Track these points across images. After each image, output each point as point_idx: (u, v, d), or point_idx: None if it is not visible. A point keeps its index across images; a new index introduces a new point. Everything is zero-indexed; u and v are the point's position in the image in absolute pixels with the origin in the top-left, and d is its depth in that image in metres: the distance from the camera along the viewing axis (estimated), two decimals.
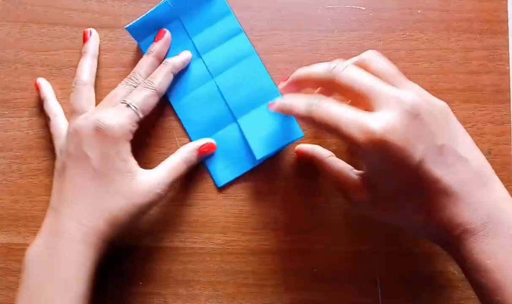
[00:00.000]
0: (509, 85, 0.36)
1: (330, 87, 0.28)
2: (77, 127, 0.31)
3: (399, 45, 0.37)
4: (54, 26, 0.38)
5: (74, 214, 0.29)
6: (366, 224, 0.35)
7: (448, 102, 0.36)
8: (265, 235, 0.35)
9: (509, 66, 0.36)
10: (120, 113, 0.31)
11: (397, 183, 0.26)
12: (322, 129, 0.27)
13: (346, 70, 0.27)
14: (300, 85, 0.31)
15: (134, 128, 0.31)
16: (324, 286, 0.35)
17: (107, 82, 0.37)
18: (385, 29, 0.37)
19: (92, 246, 0.29)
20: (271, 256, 0.35)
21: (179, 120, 0.36)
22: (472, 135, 0.35)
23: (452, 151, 0.26)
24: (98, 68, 0.37)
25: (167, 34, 0.36)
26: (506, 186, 0.35)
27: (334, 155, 0.33)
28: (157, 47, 0.35)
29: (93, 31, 0.37)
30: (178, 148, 0.35)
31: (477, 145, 0.35)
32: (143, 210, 0.31)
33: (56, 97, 0.37)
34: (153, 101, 0.33)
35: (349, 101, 0.30)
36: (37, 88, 0.36)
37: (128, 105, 0.31)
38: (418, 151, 0.25)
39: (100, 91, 0.37)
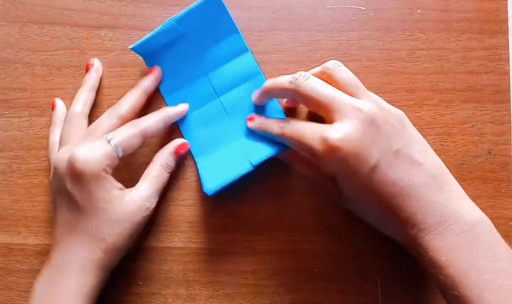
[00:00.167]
0: (509, 85, 0.36)
1: (294, 97, 0.30)
2: (56, 162, 0.31)
3: (399, 45, 0.37)
4: (54, 26, 0.38)
5: (70, 247, 0.30)
6: (366, 224, 0.35)
7: (448, 102, 0.36)
8: (265, 235, 0.35)
9: (509, 66, 0.36)
10: (97, 148, 0.30)
11: (356, 188, 0.28)
12: (291, 143, 0.30)
13: (308, 81, 0.29)
14: (269, 95, 0.33)
15: (112, 164, 0.31)
16: (324, 286, 0.35)
17: (107, 82, 0.37)
18: (385, 29, 0.37)
19: (91, 275, 0.30)
20: (271, 256, 0.35)
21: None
22: (472, 135, 0.36)
23: (407, 156, 0.28)
24: None
25: (158, 71, 0.35)
26: (506, 186, 0.35)
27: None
28: (147, 82, 0.35)
29: (96, 62, 0.36)
30: None
31: (477, 145, 0.36)
32: (137, 228, 0.31)
33: (56, 97, 0.37)
34: (137, 142, 0.32)
35: (312, 110, 0.32)
36: (53, 107, 0.36)
37: (108, 141, 0.31)
38: (373, 156, 0.27)
39: (101, 91, 0.37)
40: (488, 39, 0.36)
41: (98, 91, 0.37)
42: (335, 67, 0.30)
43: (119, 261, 0.32)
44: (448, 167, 0.35)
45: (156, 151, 0.35)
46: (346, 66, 0.37)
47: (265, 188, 0.36)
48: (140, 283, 0.35)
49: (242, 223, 0.36)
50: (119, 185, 0.32)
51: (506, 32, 0.36)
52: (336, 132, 0.27)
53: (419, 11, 0.37)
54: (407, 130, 0.29)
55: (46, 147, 0.37)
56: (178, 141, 0.35)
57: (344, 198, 0.31)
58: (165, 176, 0.33)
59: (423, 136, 0.36)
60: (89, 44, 0.37)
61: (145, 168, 0.34)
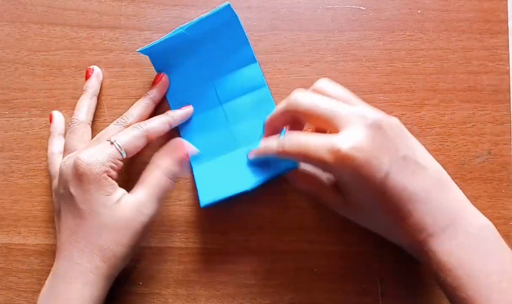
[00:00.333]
0: (509, 85, 0.36)
1: (296, 118, 0.30)
2: (62, 167, 0.31)
3: (399, 45, 0.37)
4: (54, 26, 0.38)
5: (70, 255, 0.29)
6: None
7: (448, 102, 0.36)
8: (265, 235, 0.35)
9: (509, 66, 0.36)
10: (101, 150, 0.30)
11: (367, 195, 0.28)
12: (296, 159, 0.30)
13: (306, 98, 0.29)
14: (273, 128, 0.32)
15: (116, 166, 0.30)
16: (324, 286, 0.35)
17: (107, 82, 0.37)
18: (385, 29, 0.37)
19: (92, 284, 0.29)
20: (271, 256, 0.35)
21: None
22: (472, 135, 0.36)
23: (413, 161, 0.28)
24: None
25: (165, 78, 0.35)
26: (506, 186, 0.35)
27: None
28: (154, 91, 0.35)
29: (96, 68, 0.36)
30: None
31: (477, 145, 0.36)
32: (135, 235, 0.30)
33: (56, 97, 0.37)
34: (141, 142, 0.32)
35: (314, 127, 0.32)
36: (50, 120, 0.36)
37: (111, 143, 0.30)
38: (384, 164, 0.26)
39: (101, 91, 0.37)
40: (488, 39, 0.36)
41: (99, 91, 0.37)
42: (325, 83, 0.30)
43: (120, 269, 0.31)
44: (448, 167, 0.35)
45: (156, 144, 0.34)
46: (346, 66, 0.37)
47: (265, 188, 0.36)
48: (140, 283, 0.35)
49: (242, 223, 0.36)
50: (122, 190, 0.31)
51: (506, 32, 0.37)
52: (347, 141, 0.26)
53: (419, 11, 0.37)
54: (407, 135, 0.29)
55: (46, 147, 0.37)
56: (176, 143, 0.33)
57: (347, 209, 0.31)
58: (164, 181, 0.31)
59: (423, 136, 0.36)
60: (89, 44, 0.37)
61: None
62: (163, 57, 0.35)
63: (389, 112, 0.36)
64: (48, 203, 0.36)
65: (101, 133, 0.33)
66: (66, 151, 0.33)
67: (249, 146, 0.34)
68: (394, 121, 0.29)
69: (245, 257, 0.35)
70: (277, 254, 0.35)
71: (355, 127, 0.27)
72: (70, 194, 0.30)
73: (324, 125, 0.28)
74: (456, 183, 0.35)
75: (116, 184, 0.30)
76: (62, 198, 0.31)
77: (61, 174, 0.31)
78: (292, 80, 0.36)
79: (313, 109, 0.28)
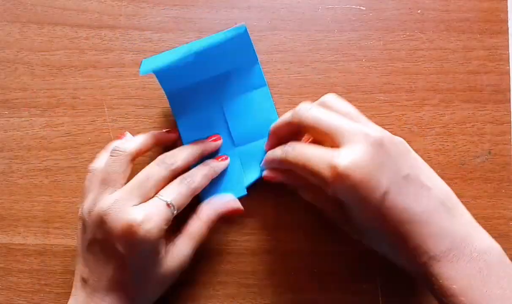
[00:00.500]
0: (509, 85, 0.36)
1: (300, 130, 0.30)
2: (106, 217, 0.28)
3: (399, 45, 0.37)
4: (54, 26, 0.38)
5: (114, 294, 0.29)
6: None
7: (448, 102, 0.36)
8: (265, 235, 0.35)
9: (509, 66, 0.36)
10: (159, 214, 0.29)
11: (366, 216, 0.27)
12: (297, 169, 0.29)
13: (311, 111, 0.29)
14: (277, 137, 0.32)
15: (168, 226, 0.30)
16: (324, 286, 0.35)
17: (107, 82, 0.37)
18: (385, 29, 0.37)
19: None
20: (271, 256, 0.35)
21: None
22: (472, 135, 0.36)
23: (416, 180, 0.27)
24: (98, 68, 0.37)
25: (220, 142, 0.35)
26: (506, 186, 0.35)
27: None
28: (207, 146, 0.34)
29: (173, 135, 0.34)
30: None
31: (477, 145, 0.36)
32: (172, 282, 0.32)
33: (56, 97, 0.37)
34: (189, 200, 0.31)
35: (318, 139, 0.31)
36: (120, 136, 0.34)
37: (168, 206, 0.29)
38: (383, 183, 0.26)
39: (101, 91, 0.37)
40: (488, 39, 0.36)
41: (99, 90, 0.37)
42: (332, 98, 0.30)
43: None
44: (448, 167, 0.35)
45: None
46: (346, 66, 0.37)
47: (265, 188, 0.36)
48: None
49: (242, 223, 0.36)
50: (165, 242, 0.30)
51: (506, 32, 0.37)
52: (345, 159, 0.25)
53: (419, 11, 0.37)
54: (412, 154, 0.29)
55: (46, 147, 0.37)
56: (234, 205, 0.33)
57: (350, 225, 0.30)
58: (206, 233, 0.32)
59: (423, 136, 0.36)
60: (89, 44, 0.37)
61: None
62: (169, 72, 0.33)
63: (389, 112, 0.36)
64: (48, 203, 0.36)
65: (143, 175, 0.30)
66: (106, 182, 0.30)
67: (246, 146, 0.34)
68: (398, 139, 0.28)
69: (245, 257, 0.35)
70: (277, 254, 0.35)
71: (356, 144, 0.26)
72: (117, 250, 0.28)
73: (326, 139, 0.28)
74: (456, 183, 0.35)
75: (164, 240, 0.30)
76: (102, 245, 0.29)
77: (102, 221, 0.28)
78: (292, 80, 0.36)
79: (317, 122, 0.28)
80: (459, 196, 0.35)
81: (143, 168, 0.31)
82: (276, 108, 0.35)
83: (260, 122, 0.35)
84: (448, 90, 0.36)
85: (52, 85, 0.37)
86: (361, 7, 0.37)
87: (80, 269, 0.30)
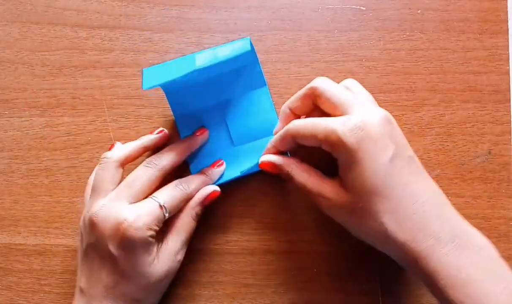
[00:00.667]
0: (509, 85, 0.36)
1: (313, 100, 0.30)
2: (97, 219, 0.29)
3: (399, 45, 0.37)
4: (54, 26, 0.38)
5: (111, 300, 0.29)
6: None
7: (448, 102, 0.36)
8: (265, 235, 0.35)
9: (509, 66, 0.36)
10: (149, 213, 0.29)
11: (370, 179, 0.26)
12: (303, 139, 0.29)
13: (328, 81, 0.29)
14: (286, 116, 0.32)
15: (158, 228, 0.30)
16: (324, 286, 0.35)
17: (107, 82, 0.37)
18: (385, 29, 0.37)
19: None
20: (271, 256, 0.35)
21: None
22: (472, 135, 0.36)
23: (418, 165, 0.28)
24: (98, 68, 0.37)
25: (206, 134, 0.35)
26: (506, 186, 0.35)
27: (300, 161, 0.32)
28: (193, 140, 0.34)
29: (166, 132, 0.35)
30: None
31: (477, 145, 0.36)
32: (169, 281, 0.32)
33: (56, 97, 0.37)
34: (182, 205, 0.32)
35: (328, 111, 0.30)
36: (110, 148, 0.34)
37: (160, 207, 0.30)
38: (390, 148, 0.26)
39: (101, 91, 0.37)
40: (488, 39, 0.36)
41: (99, 90, 0.37)
42: (353, 82, 0.30)
43: None
44: (448, 167, 0.35)
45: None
46: (346, 66, 0.37)
47: (265, 188, 0.36)
48: None
49: (242, 223, 0.36)
50: (156, 242, 0.31)
51: (506, 32, 0.37)
52: (358, 116, 0.26)
53: (419, 11, 0.37)
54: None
55: (46, 147, 0.37)
56: (208, 190, 0.33)
57: (342, 205, 0.28)
58: (193, 225, 0.33)
59: (423, 136, 0.36)
60: (89, 44, 0.37)
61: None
62: (173, 87, 0.33)
63: (389, 112, 0.36)
64: (48, 203, 0.36)
65: (131, 176, 0.31)
66: (95, 190, 0.31)
67: (245, 146, 0.34)
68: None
69: (245, 257, 0.35)
70: (277, 254, 0.35)
71: (367, 112, 0.27)
72: (109, 251, 0.29)
73: (337, 113, 0.28)
74: (456, 183, 0.35)
75: (154, 240, 0.30)
76: (95, 249, 0.30)
77: (94, 224, 0.29)
78: (292, 80, 0.36)
79: (332, 92, 0.28)
80: (459, 196, 0.35)
81: None
82: (275, 108, 0.35)
83: (259, 122, 0.35)
84: (448, 90, 0.36)
85: (52, 85, 0.37)
86: (361, 7, 0.37)
87: (78, 280, 0.31)
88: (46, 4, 0.38)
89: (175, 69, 0.31)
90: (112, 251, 0.29)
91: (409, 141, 0.28)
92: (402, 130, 0.35)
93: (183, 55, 0.36)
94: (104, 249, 0.29)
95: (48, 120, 0.37)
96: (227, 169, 0.35)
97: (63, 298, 0.35)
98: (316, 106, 0.30)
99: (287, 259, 0.35)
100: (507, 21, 0.37)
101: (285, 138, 0.30)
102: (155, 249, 0.30)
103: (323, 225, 0.35)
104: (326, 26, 0.37)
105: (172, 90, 0.34)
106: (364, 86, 0.30)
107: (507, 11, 0.37)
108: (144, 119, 0.37)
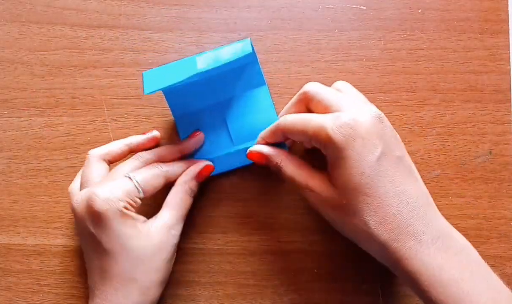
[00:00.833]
0: (509, 84, 0.36)
1: (306, 104, 0.30)
2: (75, 205, 0.29)
3: (400, 45, 0.36)
4: (53, 26, 0.37)
5: (104, 295, 0.28)
6: None
7: (448, 102, 0.36)
8: (265, 235, 0.35)
9: (509, 65, 0.36)
10: (117, 185, 0.29)
11: (356, 177, 0.26)
12: (293, 134, 0.29)
13: (318, 85, 0.29)
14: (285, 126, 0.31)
15: (134, 204, 0.29)
16: (324, 286, 0.35)
17: (107, 82, 0.37)
18: (386, 28, 0.37)
19: None
20: (271, 256, 0.35)
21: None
22: (472, 135, 0.36)
23: (408, 166, 0.28)
24: (97, 68, 0.37)
25: (201, 136, 0.34)
26: (507, 186, 0.35)
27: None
28: (186, 144, 0.34)
29: (155, 133, 0.35)
30: None
31: (478, 145, 0.36)
32: (167, 258, 0.30)
33: (55, 97, 0.37)
34: (159, 183, 0.31)
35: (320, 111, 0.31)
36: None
37: (129, 178, 0.30)
38: (378, 147, 0.26)
39: (100, 91, 0.37)
40: (488, 39, 0.36)
41: (99, 90, 0.37)
42: (344, 84, 0.31)
43: (157, 298, 0.30)
44: (449, 167, 0.35)
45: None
46: (346, 66, 0.37)
47: (265, 188, 0.36)
48: None
49: (241, 223, 0.35)
50: (143, 217, 0.30)
51: (506, 31, 0.36)
52: (349, 114, 0.27)
53: (419, 11, 0.37)
54: (403, 145, 0.29)
55: (46, 147, 0.37)
56: (201, 164, 0.33)
57: (331, 201, 0.28)
58: (188, 201, 0.32)
59: (424, 136, 0.36)
60: (89, 44, 0.37)
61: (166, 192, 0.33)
62: (174, 90, 0.33)
63: (390, 112, 0.36)
64: (47, 203, 0.36)
65: (117, 166, 0.32)
66: (81, 185, 0.32)
67: (245, 145, 0.34)
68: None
69: (245, 257, 0.35)
70: (277, 254, 0.35)
71: (359, 111, 0.27)
72: (91, 233, 0.28)
73: (328, 111, 0.28)
74: (456, 183, 0.35)
75: (136, 214, 0.30)
76: (83, 236, 0.30)
77: (75, 212, 0.29)
78: (292, 80, 0.36)
79: (323, 94, 0.29)
80: (459, 196, 0.35)
81: None
82: (275, 108, 0.35)
83: (258, 122, 0.34)
84: (449, 90, 0.36)
85: (51, 85, 0.37)
86: (362, 7, 0.37)
87: (88, 277, 0.31)
88: (45, 3, 0.38)
89: (176, 72, 0.31)
90: (91, 230, 0.28)
91: (409, 141, 0.28)
92: (403, 130, 0.36)
93: (183, 55, 0.37)
94: (86, 232, 0.29)
95: (48, 120, 0.37)
96: (224, 165, 0.35)
97: (63, 299, 0.35)
98: (310, 111, 0.30)
99: (287, 260, 0.35)
100: (508, 21, 0.36)
101: (276, 132, 0.31)
102: (138, 223, 0.29)
103: (323, 225, 0.35)
104: (326, 26, 0.37)
105: (172, 91, 0.34)
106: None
107: (507, 11, 0.37)
108: (144, 119, 0.36)
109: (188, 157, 0.34)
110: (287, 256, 0.35)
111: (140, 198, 0.30)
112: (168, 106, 0.35)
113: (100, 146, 0.33)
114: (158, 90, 0.31)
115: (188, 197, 0.32)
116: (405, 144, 0.29)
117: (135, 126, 0.36)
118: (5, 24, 0.38)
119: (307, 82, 0.30)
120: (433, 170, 0.35)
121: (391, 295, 0.34)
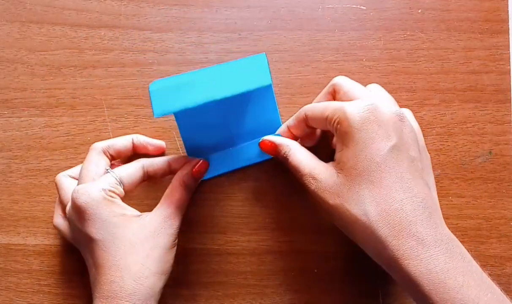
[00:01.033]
0: (509, 84, 0.36)
1: (333, 95, 0.31)
2: (66, 209, 0.31)
3: (400, 45, 0.36)
4: (53, 26, 0.37)
5: (102, 292, 0.28)
6: None
7: (449, 101, 0.36)
8: (265, 235, 0.35)
9: (510, 65, 0.36)
10: (98, 181, 0.30)
11: (365, 161, 0.26)
12: (314, 118, 0.30)
13: (346, 79, 0.30)
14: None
15: (117, 191, 0.30)
16: (324, 286, 0.35)
17: (107, 82, 0.37)
18: (386, 28, 0.37)
19: None
20: (271, 256, 0.35)
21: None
22: (472, 135, 0.36)
23: (417, 168, 0.27)
24: (97, 68, 0.37)
25: (205, 165, 0.33)
26: (507, 186, 0.35)
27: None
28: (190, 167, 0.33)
29: (161, 143, 0.36)
30: (178, 148, 0.35)
31: (478, 145, 0.36)
32: (162, 249, 0.29)
33: (55, 97, 0.37)
34: (137, 174, 0.31)
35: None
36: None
37: (107, 171, 0.31)
38: (392, 139, 0.26)
39: (100, 91, 0.37)
40: (488, 39, 0.36)
41: (99, 90, 0.37)
42: (377, 87, 0.31)
43: (159, 291, 0.30)
44: (449, 167, 0.35)
45: None
46: (346, 66, 0.37)
47: (265, 188, 0.36)
48: None
49: (242, 223, 0.35)
50: (136, 211, 0.30)
51: (506, 31, 0.36)
52: (371, 99, 0.27)
53: (419, 11, 0.37)
54: (428, 156, 0.29)
55: (46, 147, 0.37)
56: (195, 160, 0.33)
57: (339, 186, 0.27)
58: (183, 194, 0.32)
59: (424, 136, 0.36)
60: (89, 44, 0.37)
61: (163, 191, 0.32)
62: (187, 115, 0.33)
63: None
64: (47, 203, 0.36)
65: (117, 167, 0.32)
66: (79, 178, 0.32)
67: (246, 145, 0.34)
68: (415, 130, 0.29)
69: (245, 257, 0.35)
70: (277, 254, 0.35)
71: (382, 104, 0.27)
72: (80, 230, 0.29)
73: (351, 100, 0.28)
74: (456, 183, 0.35)
75: (124, 203, 0.30)
76: (76, 237, 0.31)
77: (67, 215, 0.30)
78: (292, 80, 0.36)
79: (352, 86, 0.29)
80: (460, 196, 0.35)
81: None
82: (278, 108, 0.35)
83: (262, 122, 0.34)
84: (449, 90, 0.36)
85: (51, 85, 0.37)
86: (362, 7, 0.37)
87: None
88: (45, 3, 0.38)
89: (187, 93, 0.29)
90: (79, 227, 0.29)
91: None
92: None
93: (183, 55, 0.37)
94: (77, 230, 0.29)
95: (48, 120, 0.37)
96: (225, 165, 0.35)
97: (62, 299, 0.35)
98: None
99: (287, 260, 0.35)
100: (508, 21, 0.36)
101: (299, 118, 0.31)
102: (128, 212, 0.30)
103: (323, 225, 0.35)
104: (326, 26, 0.37)
105: (182, 111, 0.33)
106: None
107: (507, 11, 0.37)
108: (144, 119, 0.36)
109: None
110: (287, 256, 0.35)
111: (122, 187, 0.30)
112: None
113: None
114: (170, 113, 0.29)
115: (183, 190, 0.32)
116: None
117: (135, 126, 0.36)
118: (5, 24, 0.38)
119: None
120: (433, 170, 0.35)
121: (391, 295, 0.34)
